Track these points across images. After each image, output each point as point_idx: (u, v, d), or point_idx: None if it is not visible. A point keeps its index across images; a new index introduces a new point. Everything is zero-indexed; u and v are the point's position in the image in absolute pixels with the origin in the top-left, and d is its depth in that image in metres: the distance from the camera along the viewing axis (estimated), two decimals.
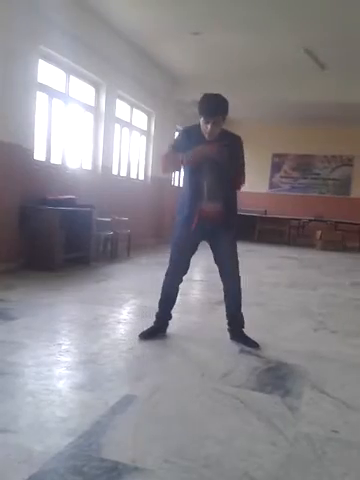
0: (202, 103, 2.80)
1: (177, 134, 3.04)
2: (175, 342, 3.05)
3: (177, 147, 2.96)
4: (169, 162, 3.05)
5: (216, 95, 2.82)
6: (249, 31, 6.38)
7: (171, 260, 3.09)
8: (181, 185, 11.38)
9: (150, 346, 2.93)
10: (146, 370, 2.53)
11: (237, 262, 3.08)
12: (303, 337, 3.41)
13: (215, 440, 1.84)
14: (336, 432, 1.98)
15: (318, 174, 12.24)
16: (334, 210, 11.21)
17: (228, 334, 3.18)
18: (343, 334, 3.52)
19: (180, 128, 3.26)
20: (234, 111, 12.27)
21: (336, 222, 10.68)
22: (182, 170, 3.05)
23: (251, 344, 3.02)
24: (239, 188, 3.06)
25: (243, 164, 3.01)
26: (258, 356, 2.87)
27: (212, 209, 2.89)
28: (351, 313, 4.27)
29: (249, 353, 2.91)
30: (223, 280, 3.13)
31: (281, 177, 12.56)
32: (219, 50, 7.24)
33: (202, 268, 6.82)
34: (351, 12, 5.43)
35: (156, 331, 3.10)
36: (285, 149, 12.32)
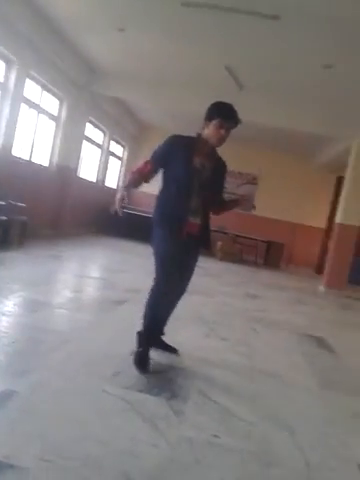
0: (224, 107, 2.69)
1: (163, 142, 2.83)
2: (64, 340, 2.91)
3: (159, 156, 2.76)
4: (136, 180, 2.80)
5: (233, 105, 2.72)
6: (175, 38, 6.44)
7: (164, 276, 2.69)
8: (115, 181, 11.02)
9: (35, 342, 2.76)
10: (30, 366, 2.39)
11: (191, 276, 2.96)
12: (195, 342, 3.47)
13: (96, 440, 1.79)
14: (217, 437, 2.02)
15: (225, 188, 12.70)
16: (236, 224, 11.70)
17: (121, 335, 3.13)
18: (232, 342, 3.65)
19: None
20: (151, 116, 12.36)
21: (236, 235, 11.17)
22: (163, 178, 2.81)
23: (171, 350, 3.02)
24: (217, 213, 3.01)
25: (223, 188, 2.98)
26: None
27: (195, 224, 2.75)
28: (241, 322, 4.46)
29: None
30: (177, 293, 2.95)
31: None
32: (142, 51, 7.21)
33: (101, 266, 6.71)
34: (270, 37, 5.69)
35: (147, 358, 2.73)
36: None
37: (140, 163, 2.83)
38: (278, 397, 2.68)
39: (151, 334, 2.81)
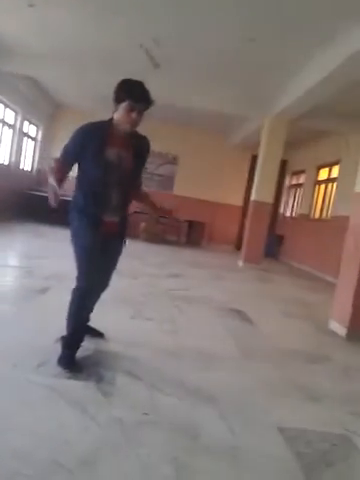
0: (132, 87, 2.39)
1: (72, 136, 2.48)
2: None
3: (68, 156, 2.47)
4: (59, 180, 2.36)
5: (142, 82, 2.42)
6: (89, 15, 6.21)
7: (84, 273, 2.54)
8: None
9: None
10: None
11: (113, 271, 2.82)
12: (121, 324, 3.50)
13: (25, 431, 1.78)
14: (146, 414, 2.09)
15: (145, 168, 12.69)
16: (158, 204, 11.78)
17: (45, 324, 3.07)
18: (157, 321, 3.73)
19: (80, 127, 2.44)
20: (66, 94, 11.86)
21: (159, 216, 11.25)
22: (77, 175, 2.55)
23: (97, 334, 2.98)
24: (136, 199, 2.81)
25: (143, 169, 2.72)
26: None
27: (111, 221, 2.56)
28: (166, 301, 4.56)
29: None
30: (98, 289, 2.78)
31: None
32: (54, 28, 6.85)
33: (19, 253, 6.46)
34: (185, 13, 5.65)
35: (74, 359, 2.53)
36: None
37: (54, 163, 2.41)
38: (203, 370, 2.81)
39: (77, 337, 2.59)
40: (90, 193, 2.50)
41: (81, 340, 2.61)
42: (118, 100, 2.41)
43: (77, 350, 2.56)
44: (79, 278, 2.57)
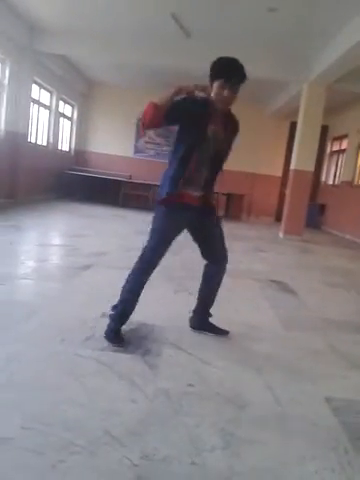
0: (226, 64, 2.39)
1: (179, 98, 2.35)
2: (33, 311, 2.91)
3: (173, 111, 2.33)
4: (157, 115, 2.29)
5: (236, 59, 2.39)
6: None
7: (148, 253, 2.63)
8: (64, 148, 10.69)
9: (2, 316, 2.74)
10: (1, 340, 2.39)
11: (226, 250, 2.79)
12: (164, 299, 3.55)
13: (75, 403, 1.84)
14: (191, 386, 2.12)
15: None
16: None
17: (90, 299, 3.13)
18: None
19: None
20: (98, 72, 11.90)
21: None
22: (174, 147, 2.54)
23: (221, 331, 2.84)
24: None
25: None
26: None
27: (197, 195, 2.57)
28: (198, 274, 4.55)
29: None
30: (210, 270, 2.87)
31: (146, 142, 12.63)
32: (83, 4, 6.83)
33: (62, 232, 6.62)
34: None
35: (120, 329, 2.61)
36: None
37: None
38: (247, 342, 2.81)
39: (125, 308, 2.62)
40: (183, 164, 2.47)
41: (128, 313, 2.62)
42: (212, 78, 2.40)
43: (123, 324, 2.62)
44: (146, 253, 2.63)
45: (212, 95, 2.41)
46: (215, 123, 2.46)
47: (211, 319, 2.90)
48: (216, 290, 2.87)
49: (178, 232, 2.65)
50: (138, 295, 2.64)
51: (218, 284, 2.85)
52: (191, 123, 2.40)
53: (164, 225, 2.60)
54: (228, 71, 2.37)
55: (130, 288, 2.63)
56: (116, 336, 2.55)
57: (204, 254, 2.83)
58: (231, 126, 2.57)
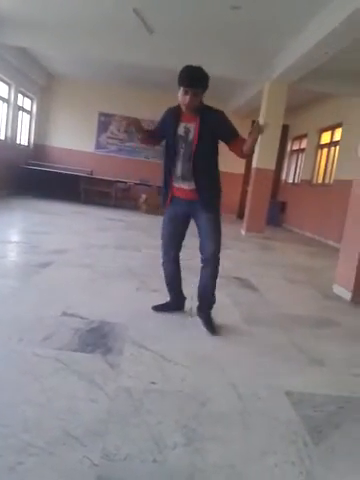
0: (183, 73, 2.70)
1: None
2: None
3: (157, 128, 3.04)
4: (143, 137, 3.05)
5: (198, 67, 2.71)
6: None
7: (161, 243, 3.13)
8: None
9: None
10: None
11: (216, 245, 2.98)
12: (126, 297, 3.51)
13: (33, 403, 1.79)
14: (154, 383, 2.10)
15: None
16: (158, 176, 11.67)
17: (49, 298, 3.06)
18: (162, 293, 3.72)
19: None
20: (59, 65, 11.62)
21: (159, 187, 11.13)
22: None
23: (210, 328, 2.96)
24: (243, 156, 2.91)
25: (233, 132, 2.87)
26: (81, 317, 2.85)
27: (186, 187, 2.89)
28: None
29: (72, 315, 2.88)
30: (201, 262, 3.06)
31: (108, 138, 12.47)
32: None
33: (20, 229, 6.44)
34: None
35: (169, 307, 3.23)
36: (112, 109, 12.22)
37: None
38: (209, 338, 2.82)
39: (169, 290, 3.27)
40: (165, 161, 2.95)
41: (174, 299, 3.26)
42: (178, 85, 2.75)
43: (172, 306, 3.24)
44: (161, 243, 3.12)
45: (178, 100, 2.77)
46: (187, 120, 2.81)
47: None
48: (208, 286, 3.07)
49: (177, 222, 3.03)
50: (173, 281, 3.22)
51: (207, 280, 3.05)
52: (166, 128, 2.90)
53: (164, 217, 3.10)
54: (190, 80, 2.68)
55: (164, 278, 3.23)
56: (158, 308, 3.21)
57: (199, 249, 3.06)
58: (208, 119, 2.80)
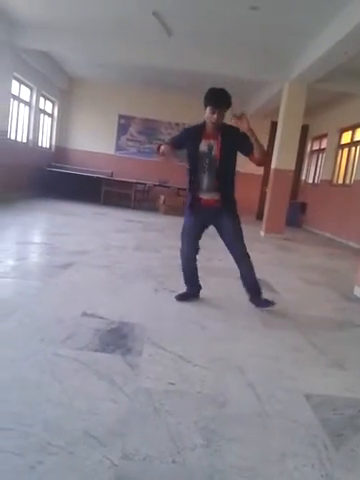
0: (210, 94, 3.08)
1: (179, 132, 3.58)
2: (12, 309, 2.87)
3: (175, 141, 3.33)
4: (164, 151, 3.23)
5: (222, 89, 3.10)
6: None
7: (181, 243, 3.50)
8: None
9: None
10: None
11: (243, 244, 3.42)
12: (145, 297, 3.54)
13: (54, 403, 1.82)
14: (173, 384, 2.12)
15: (163, 140, 12.56)
16: (177, 177, 11.67)
17: (71, 298, 3.10)
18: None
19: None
20: (80, 68, 11.76)
21: (178, 188, 11.17)
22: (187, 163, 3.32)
23: (266, 304, 3.52)
24: (260, 164, 3.28)
25: (252, 144, 3.11)
26: (101, 318, 2.89)
27: (210, 198, 3.27)
28: None
29: (92, 316, 2.91)
30: (235, 260, 3.50)
31: (128, 140, 12.56)
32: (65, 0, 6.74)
33: (43, 231, 6.55)
34: None
35: (188, 296, 3.58)
36: (132, 111, 12.31)
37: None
38: (228, 340, 2.82)
39: (187, 283, 3.62)
40: (190, 176, 3.29)
41: (192, 289, 3.61)
42: (205, 105, 3.13)
43: (190, 294, 3.59)
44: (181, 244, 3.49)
45: (205, 117, 3.15)
46: (209, 138, 3.18)
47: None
48: (251, 277, 3.54)
49: (198, 228, 3.42)
50: (192, 276, 3.58)
51: (247, 273, 3.52)
52: (189, 143, 3.25)
53: (186, 222, 3.44)
54: (217, 101, 3.08)
55: (183, 275, 3.58)
56: (182, 297, 3.56)
57: (229, 250, 3.48)
58: (228, 136, 3.16)
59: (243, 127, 3.02)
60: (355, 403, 2.17)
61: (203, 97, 3.12)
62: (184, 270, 3.57)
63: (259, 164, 3.26)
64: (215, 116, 3.08)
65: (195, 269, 3.56)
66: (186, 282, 3.60)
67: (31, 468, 1.44)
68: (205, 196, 3.28)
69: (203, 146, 3.18)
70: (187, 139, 3.29)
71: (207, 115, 3.13)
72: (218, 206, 3.27)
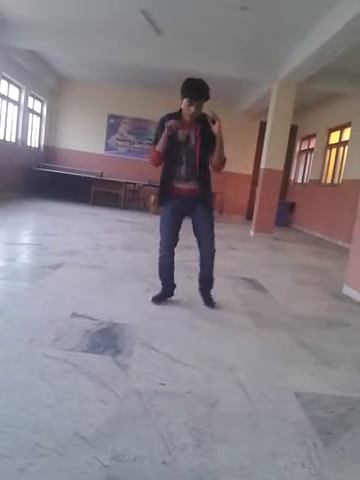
0: (187, 85, 2.95)
1: (156, 125, 3.25)
2: (0, 309, 2.84)
3: (157, 139, 3.14)
4: (157, 157, 3.16)
5: (200, 80, 2.96)
6: None
7: (160, 234, 3.33)
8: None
9: None
10: None
11: (213, 236, 3.36)
12: (136, 298, 3.53)
13: (44, 405, 1.81)
14: (163, 384, 2.11)
15: (152, 140, 12.53)
16: None
17: (60, 299, 3.08)
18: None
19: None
20: (68, 67, 11.71)
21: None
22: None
23: (209, 303, 3.49)
24: (215, 169, 3.21)
25: (215, 145, 3.08)
26: (91, 318, 2.87)
27: (188, 187, 3.18)
28: (178, 273, 4.54)
29: (82, 316, 2.90)
30: (200, 251, 3.41)
31: (117, 139, 12.53)
32: None
33: (31, 231, 6.50)
34: None
35: (164, 297, 3.48)
36: (121, 111, 12.28)
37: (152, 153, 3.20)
38: (218, 340, 2.82)
39: (164, 286, 3.50)
40: (167, 164, 3.20)
41: (167, 288, 3.48)
42: (181, 96, 2.99)
43: (166, 295, 3.48)
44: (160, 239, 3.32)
45: (182, 108, 3.03)
46: (186, 128, 3.06)
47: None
48: (209, 266, 3.45)
49: (175, 217, 3.27)
50: (169, 272, 3.42)
51: (207, 261, 3.43)
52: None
53: (163, 214, 3.29)
54: (194, 92, 2.94)
55: (159, 270, 3.41)
56: (157, 299, 3.43)
57: (197, 240, 3.40)
58: (207, 126, 3.03)
59: (215, 131, 3.00)
60: (344, 401, 2.19)
61: (181, 87, 2.99)
62: (161, 265, 3.40)
63: (214, 168, 3.20)
64: (192, 109, 2.98)
65: (172, 264, 3.40)
66: (160, 277, 3.45)
67: (21, 470, 1.42)
68: (184, 186, 3.19)
69: (180, 136, 3.09)
70: (163, 129, 3.07)
71: (184, 107, 3.02)
72: (196, 195, 3.20)
